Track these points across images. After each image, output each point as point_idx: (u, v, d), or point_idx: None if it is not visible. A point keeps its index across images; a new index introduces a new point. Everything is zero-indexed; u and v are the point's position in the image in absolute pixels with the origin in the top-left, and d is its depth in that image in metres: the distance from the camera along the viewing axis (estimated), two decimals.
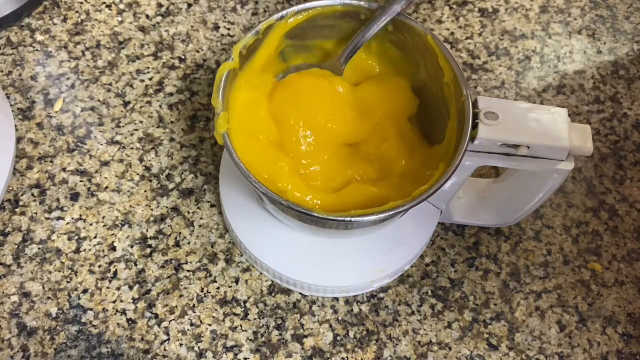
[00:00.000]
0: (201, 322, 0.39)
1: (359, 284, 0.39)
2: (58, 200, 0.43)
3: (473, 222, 0.42)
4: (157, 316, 0.39)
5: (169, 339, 0.39)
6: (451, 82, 0.36)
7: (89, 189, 0.43)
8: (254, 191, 0.37)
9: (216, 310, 0.40)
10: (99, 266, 0.41)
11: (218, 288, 0.40)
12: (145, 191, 0.43)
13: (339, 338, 0.39)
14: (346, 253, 0.40)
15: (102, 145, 0.45)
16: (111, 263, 0.41)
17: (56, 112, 0.46)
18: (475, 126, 0.34)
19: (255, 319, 0.39)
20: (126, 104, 0.47)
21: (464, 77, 0.35)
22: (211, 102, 0.34)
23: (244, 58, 0.36)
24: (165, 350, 0.38)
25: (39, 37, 0.49)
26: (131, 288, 0.40)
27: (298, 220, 0.35)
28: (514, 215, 0.41)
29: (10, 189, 0.43)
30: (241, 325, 0.39)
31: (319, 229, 0.36)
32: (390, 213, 0.32)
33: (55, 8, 0.51)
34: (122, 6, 0.51)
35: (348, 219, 0.32)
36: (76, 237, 0.41)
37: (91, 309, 0.39)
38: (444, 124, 0.37)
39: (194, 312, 0.39)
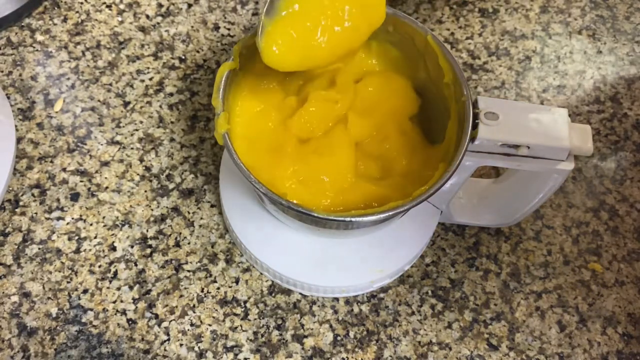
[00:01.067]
0: (201, 322, 0.39)
1: (359, 284, 0.39)
2: (58, 200, 0.43)
3: (473, 222, 0.42)
4: (157, 316, 0.39)
5: (169, 339, 0.39)
6: (451, 82, 0.36)
7: (89, 189, 0.43)
8: (254, 191, 0.37)
9: (216, 310, 0.40)
10: (99, 266, 0.41)
11: (218, 288, 0.40)
12: (145, 191, 0.43)
13: (339, 338, 0.39)
14: (346, 253, 0.40)
15: (102, 145, 0.45)
16: (111, 263, 0.41)
17: (56, 112, 0.46)
18: (475, 126, 0.34)
19: (255, 319, 0.39)
20: (126, 104, 0.47)
21: (464, 77, 0.35)
22: (211, 102, 0.34)
23: (244, 58, 0.36)
24: (165, 350, 0.38)
25: (39, 37, 0.49)
26: (131, 288, 0.40)
27: (298, 220, 0.35)
28: (514, 215, 0.41)
29: (10, 189, 0.43)
30: (241, 325, 0.39)
31: (319, 229, 0.36)
32: (390, 213, 0.32)
33: (55, 8, 0.51)
34: (122, 6, 0.51)
35: (348, 218, 0.32)
36: (76, 237, 0.41)
37: (91, 309, 0.39)
38: (444, 123, 0.37)
39: (194, 312, 0.39)
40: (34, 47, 0.49)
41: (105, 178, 0.44)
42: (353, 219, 0.33)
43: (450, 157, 0.34)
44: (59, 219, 0.42)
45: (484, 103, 0.34)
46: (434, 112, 0.39)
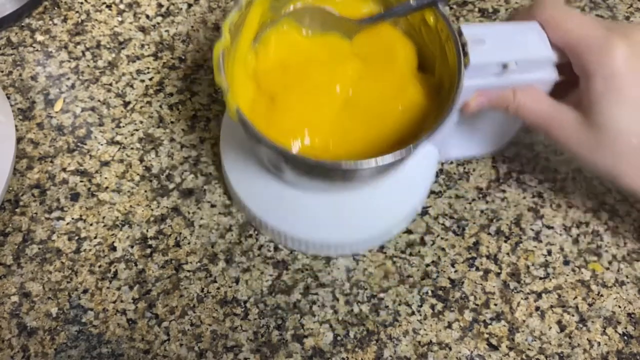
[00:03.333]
0: (201, 322, 0.39)
1: (378, 233, 0.40)
2: (58, 200, 0.43)
3: (466, 154, 0.44)
4: (157, 316, 0.39)
5: (169, 339, 0.39)
6: (433, 23, 0.38)
7: (89, 189, 0.43)
8: (267, 158, 0.37)
9: (216, 310, 0.40)
10: (99, 266, 0.41)
11: (218, 288, 0.40)
12: (145, 191, 0.43)
13: (339, 338, 0.39)
14: (359, 205, 0.40)
15: (102, 145, 0.45)
16: (111, 263, 0.41)
17: (56, 112, 0.46)
18: (465, 54, 0.35)
19: (255, 319, 0.40)
20: (126, 104, 0.47)
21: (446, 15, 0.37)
22: (214, 80, 0.34)
23: (232, 35, 0.36)
24: (165, 350, 0.38)
25: (39, 37, 0.49)
26: (131, 288, 0.40)
27: (311, 177, 0.36)
28: (504, 139, 0.43)
29: (10, 189, 0.43)
30: (241, 325, 0.39)
31: (328, 185, 0.37)
32: (407, 149, 0.33)
33: (55, 8, 0.51)
34: (122, 6, 0.51)
35: (379, 159, 0.32)
36: (76, 237, 0.41)
37: (91, 309, 0.39)
38: (432, 59, 0.38)
39: (194, 312, 0.39)
40: (34, 47, 0.49)
41: (105, 178, 0.44)
42: (379, 162, 0.32)
43: (447, 90, 0.35)
44: (59, 219, 0.42)
45: (467, 30, 0.36)
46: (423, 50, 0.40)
